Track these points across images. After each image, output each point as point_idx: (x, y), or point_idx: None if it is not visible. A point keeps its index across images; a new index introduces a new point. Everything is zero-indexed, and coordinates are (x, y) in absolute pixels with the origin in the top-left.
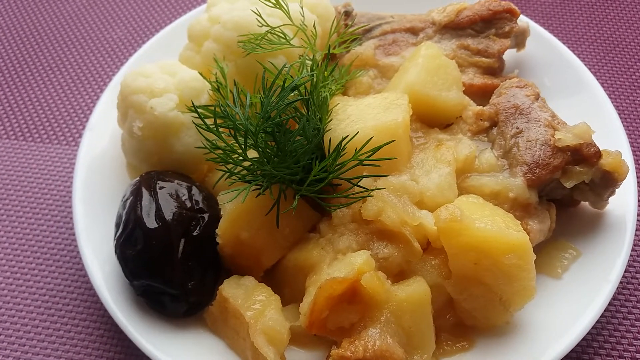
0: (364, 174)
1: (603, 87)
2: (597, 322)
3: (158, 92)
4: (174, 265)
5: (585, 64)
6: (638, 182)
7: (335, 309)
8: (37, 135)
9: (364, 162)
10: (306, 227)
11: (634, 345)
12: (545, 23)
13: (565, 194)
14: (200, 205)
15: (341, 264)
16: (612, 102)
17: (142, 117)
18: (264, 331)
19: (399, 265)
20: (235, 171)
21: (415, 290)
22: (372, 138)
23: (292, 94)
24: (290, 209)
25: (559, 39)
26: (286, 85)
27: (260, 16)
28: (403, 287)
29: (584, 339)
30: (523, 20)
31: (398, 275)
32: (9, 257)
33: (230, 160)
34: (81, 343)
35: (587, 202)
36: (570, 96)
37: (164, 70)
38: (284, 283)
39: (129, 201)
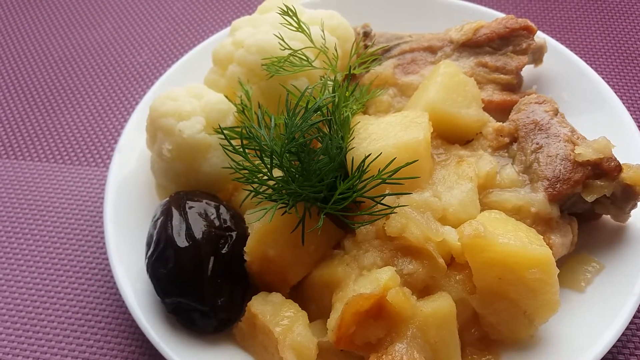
0: (387, 191)
1: (622, 100)
2: (622, 335)
3: (186, 115)
4: (204, 282)
5: (603, 78)
6: None
7: (362, 325)
8: (68, 157)
9: (387, 181)
10: (331, 244)
11: None
12: (562, 38)
13: (587, 208)
14: (228, 223)
15: (367, 280)
16: (631, 115)
17: (171, 140)
18: (293, 347)
19: (423, 280)
20: (261, 190)
21: (440, 306)
22: (395, 159)
23: (315, 115)
24: (315, 227)
25: (576, 54)
26: (309, 106)
27: (283, 40)
28: (428, 303)
29: (609, 352)
30: (540, 36)
31: (423, 290)
32: (43, 277)
33: (256, 180)
34: None
35: (609, 216)
36: (589, 111)
37: (190, 94)
38: (310, 299)
39: (159, 221)
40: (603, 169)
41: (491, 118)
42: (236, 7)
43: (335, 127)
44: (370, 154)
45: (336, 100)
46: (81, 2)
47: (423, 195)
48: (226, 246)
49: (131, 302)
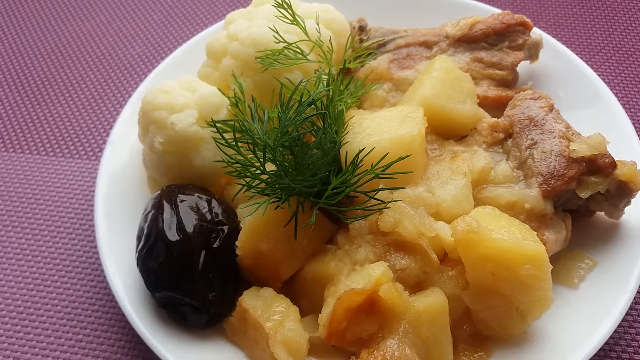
0: (381, 186)
1: (617, 97)
2: (615, 332)
3: (178, 108)
4: (195, 276)
5: (599, 75)
6: None
7: (353, 320)
8: (59, 150)
9: (380, 176)
10: (323, 239)
11: None
12: (558, 34)
13: (581, 204)
14: (220, 217)
15: (359, 275)
16: (626, 112)
17: (163, 133)
18: (284, 342)
19: (416, 276)
20: (254, 184)
21: (432, 301)
22: (388, 153)
23: (309, 108)
24: (308, 223)
25: (572, 50)
26: (303, 100)
27: (277, 33)
28: (421, 298)
29: (601, 349)
30: (536, 32)
31: (415, 286)
32: (32, 270)
33: (249, 174)
34: (103, 354)
35: (602, 212)
36: (584, 107)
37: (183, 87)
38: (302, 294)
39: (150, 214)
40: (598, 166)
41: (486, 114)
42: None
43: (329, 121)
44: (364, 149)
45: (330, 94)
46: None
47: (417, 191)
48: (218, 240)
49: (121, 296)
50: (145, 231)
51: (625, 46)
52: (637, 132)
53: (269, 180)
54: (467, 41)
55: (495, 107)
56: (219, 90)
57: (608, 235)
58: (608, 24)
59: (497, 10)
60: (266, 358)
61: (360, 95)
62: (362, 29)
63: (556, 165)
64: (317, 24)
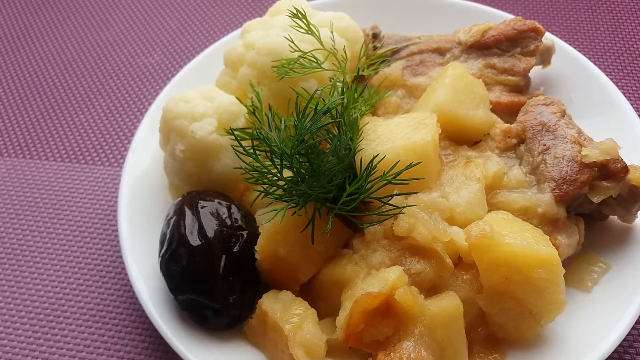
0: (395, 192)
1: (629, 102)
2: (628, 334)
3: (198, 117)
4: (216, 280)
5: (611, 79)
6: None
7: (370, 323)
8: (82, 157)
9: (393, 182)
10: (340, 244)
11: None
12: (571, 39)
13: (594, 208)
14: (240, 223)
15: (375, 279)
16: (639, 117)
17: (184, 141)
18: (302, 344)
19: (431, 280)
20: (271, 191)
21: (447, 305)
22: (399, 161)
23: (324, 116)
24: (325, 230)
25: (585, 55)
26: (318, 108)
27: (293, 42)
28: (436, 302)
29: (615, 351)
30: (548, 37)
31: (430, 289)
32: (59, 274)
33: (266, 181)
34: (127, 355)
35: (616, 216)
36: (596, 112)
37: (202, 96)
38: (320, 297)
39: (172, 220)
40: (609, 170)
41: (499, 119)
42: (246, 8)
43: (344, 128)
44: (377, 155)
45: (345, 101)
46: (94, 3)
47: (431, 196)
48: (237, 245)
49: (145, 299)
50: (167, 236)
51: (637, 50)
52: None
53: (286, 186)
54: (480, 47)
55: (508, 112)
56: (237, 99)
57: (621, 239)
58: (620, 27)
59: (509, 16)
60: (285, 359)
61: (375, 102)
62: (375, 36)
63: (568, 171)
64: (332, 33)
